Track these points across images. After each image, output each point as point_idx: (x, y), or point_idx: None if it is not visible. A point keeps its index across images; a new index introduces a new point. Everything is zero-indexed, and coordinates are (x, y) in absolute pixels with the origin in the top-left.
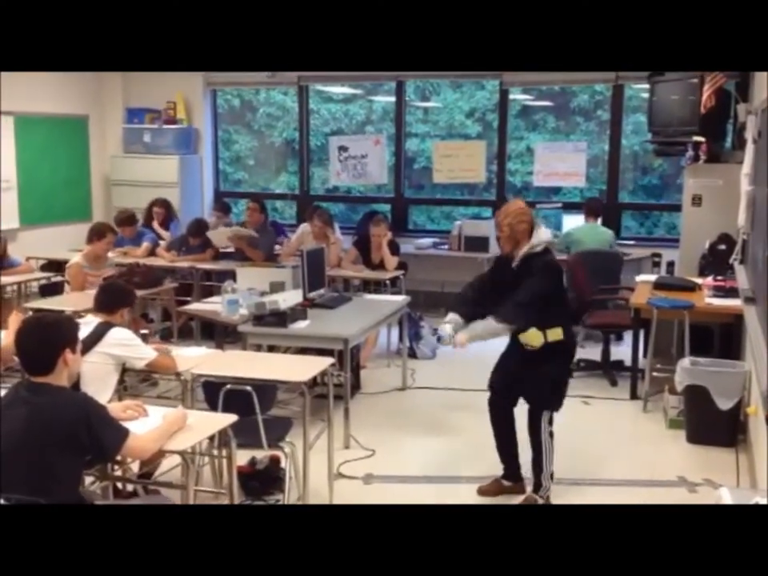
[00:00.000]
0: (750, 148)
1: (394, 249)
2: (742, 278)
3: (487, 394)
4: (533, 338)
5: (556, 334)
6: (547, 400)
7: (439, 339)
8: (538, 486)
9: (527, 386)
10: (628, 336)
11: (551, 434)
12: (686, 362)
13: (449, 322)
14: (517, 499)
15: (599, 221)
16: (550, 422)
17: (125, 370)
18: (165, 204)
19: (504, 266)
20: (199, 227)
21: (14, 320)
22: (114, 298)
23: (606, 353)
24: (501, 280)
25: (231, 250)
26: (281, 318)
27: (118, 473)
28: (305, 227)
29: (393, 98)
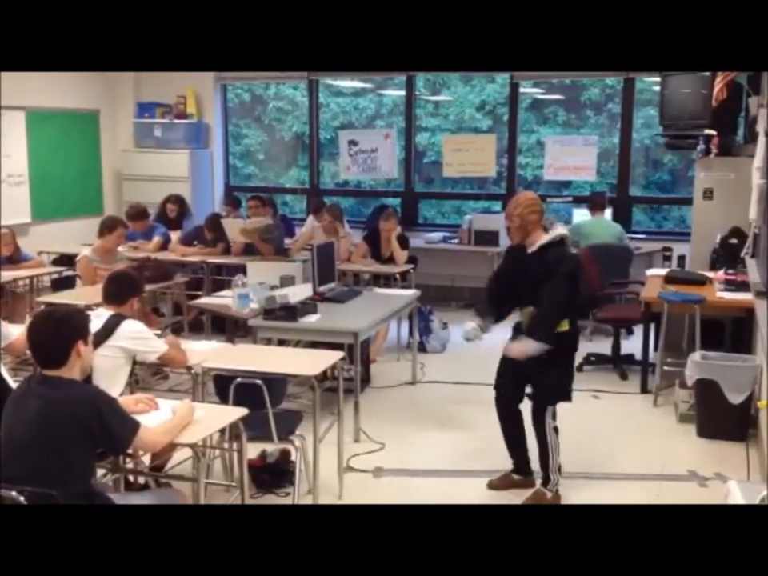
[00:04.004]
0: (761, 141)
1: (404, 243)
2: (753, 272)
3: None
4: None
5: (562, 325)
6: (550, 395)
7: (466, 337)
8: (546, 480)
9: (530, 380)
10: (638, 330)
11: (555, 429)
12: (696, 356)
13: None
14: (527, 493)
15: (605, 214)
16: (554, 417)
17: (135, 363)
18: (179, 200)
19: (519, 255)
20: (215, 222)
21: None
22: (122, 288)
23: (616, 347)
24: (518, 269)
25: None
26: (291, 311)
27: (130, 465)
28: (312, 220)
29: (403, 92)
